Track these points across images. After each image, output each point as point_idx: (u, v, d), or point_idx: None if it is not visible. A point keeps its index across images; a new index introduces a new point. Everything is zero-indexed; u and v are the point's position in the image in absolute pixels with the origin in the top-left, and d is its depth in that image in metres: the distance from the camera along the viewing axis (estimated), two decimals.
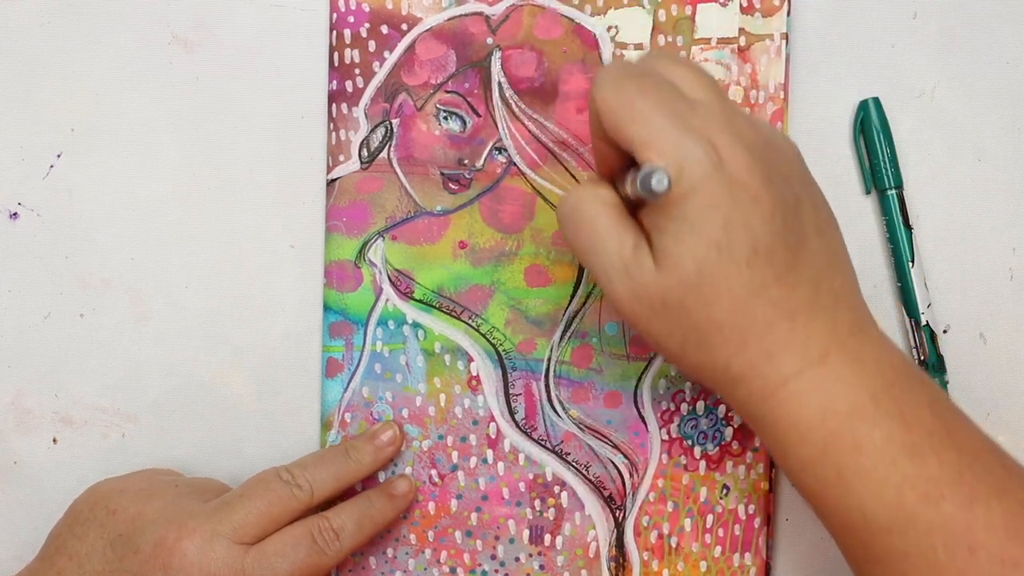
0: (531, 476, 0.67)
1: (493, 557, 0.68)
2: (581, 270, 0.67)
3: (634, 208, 0.54)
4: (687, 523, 0.68)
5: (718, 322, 0.52)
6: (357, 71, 0.66)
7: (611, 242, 0.53)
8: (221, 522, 0.59)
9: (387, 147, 0.66)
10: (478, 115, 0.66)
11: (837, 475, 0.52)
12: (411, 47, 0.66)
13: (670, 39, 0.66)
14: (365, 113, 0.66)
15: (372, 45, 0.66)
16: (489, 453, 0.67)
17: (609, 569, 0.68)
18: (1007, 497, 0.52)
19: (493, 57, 0.66)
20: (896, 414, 0.52)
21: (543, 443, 0.67)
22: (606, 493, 0.68)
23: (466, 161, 0.66)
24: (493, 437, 0.67)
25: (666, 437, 0.67)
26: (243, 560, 0.58)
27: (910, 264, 0.66)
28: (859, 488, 0.52)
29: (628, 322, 0.55)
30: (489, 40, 0.66)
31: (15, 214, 0.67)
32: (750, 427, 0.56)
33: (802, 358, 0.52)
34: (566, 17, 0.66)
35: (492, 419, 0.67)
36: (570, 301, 0.67)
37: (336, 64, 0.66)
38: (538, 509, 0.68)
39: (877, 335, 0.55)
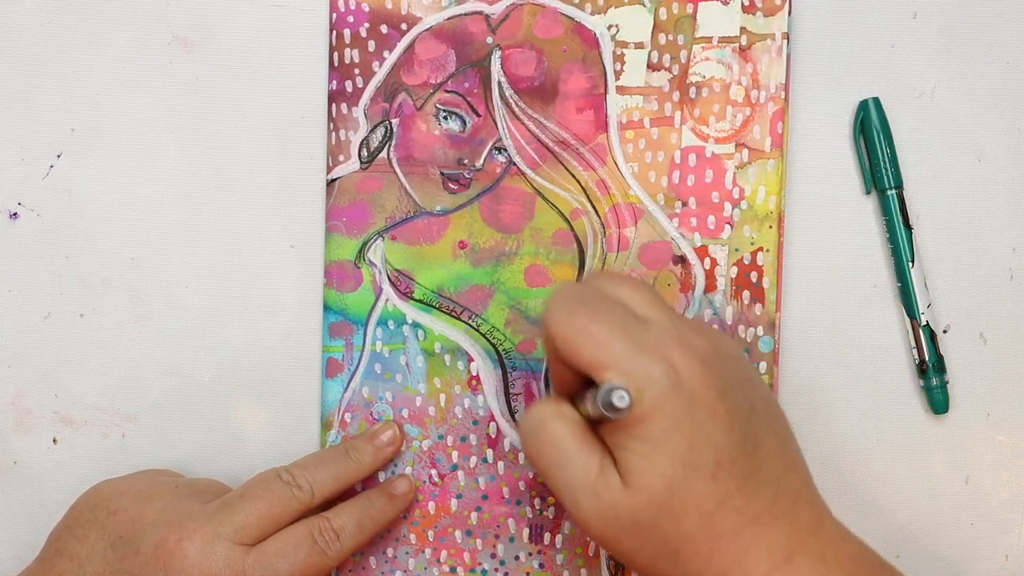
0: (531, 475, 0.67)
1: (493, 556, 0.68)
2: (581, 270, 0.67)
3: (595, 426, 0.55)
4: None
5: (688, 535, 0.52)
6: (357, 71, 0.66)
7: (577, 463, 0.54)
8: (222, 523, 0.59)
9: (387, 147, 0.66)
10: (478, 115, 0.66)
11: None
12: (411, 47, 0.66)
13: (671, 38, 0.66)
14: (365, 113, 0.66)
15: (372, 45, 0.66)
16: (489, 452, 0.67)
17: (608, 568, 0.68)
18: None
19: (493, 56, 0.66)
20: None
21: None
22: None
23: (466, 161, 0.66)
24: (493, 437, 0.67)
25: None
26: (244, 561, 0.58)
27: (910, 264, 0.66)
28: None
29: (596, 541, 0.55)
30: (489, 39, 0.66)
31: (15, 214, 0.68)
32: None
33: (768, 562, 0.53)
34: (566, 16, 0.66)
35: (492, 419, 0.67)
36: None
37: (336, 64, 0.66)
38: (538, 508, 0.68)
39: (835, 528, 0.56)
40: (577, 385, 0.56)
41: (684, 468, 0.52)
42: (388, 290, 0.67)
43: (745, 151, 0.66)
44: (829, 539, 0.55)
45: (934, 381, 0.67)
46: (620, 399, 0.49)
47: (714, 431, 0.52)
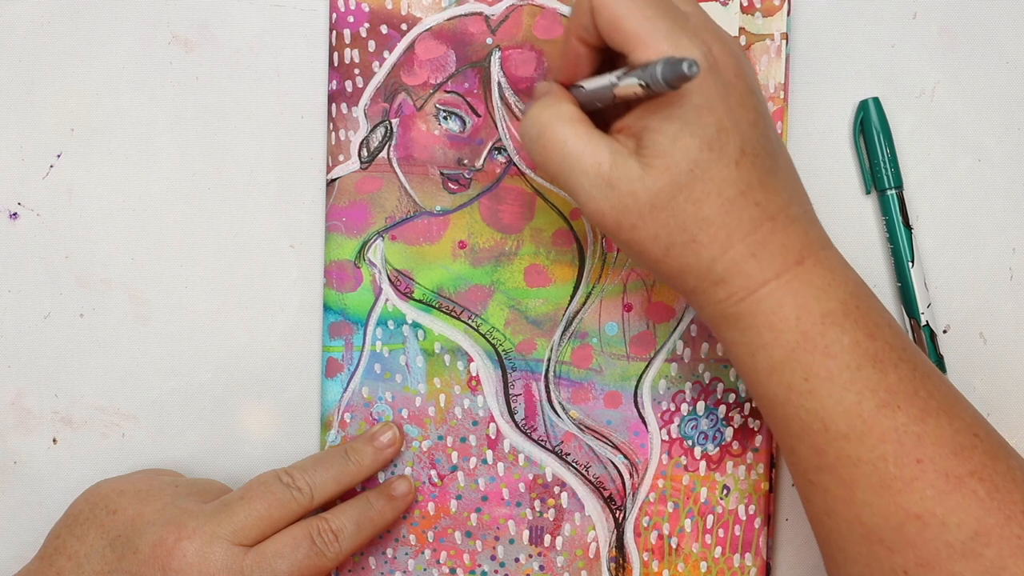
0: (531, 477, 0.67)
1: (493, 558, 0.68)
2: (581, 270, 0.67)
3: (596, 116, 0.56)
4: (687, 524, 0.68)
5: (707, 220, 0.53)
6: (357, 71, 0.66)
7: (586, 160, 0.54)
8: (221, 524, 0.59)
9: (387, 147, 0.66)
10: (478, 115, 0.66)
11: (804, 377, 0.54)
12: (411, 47, 0.66)
13: None
14: (365, 113, 0.66)
15: (372, 45, 0.66)
16: (489, 454, 0.67)
17: (609, 570, 0.68)
18: (954, 417, 0.54)
19: (493, 57, 0.66)
20: (862, 323, 0.54)
21: (543, 443, 0.67)
22: (606, 493, 0.68)
23: (466, 161, 0.66)
24: (493, 437, 0.67)
25: (666, 437, 0.67)
26: (242, 561, 0.58)
27: (910, 264, 0.66)
28: (823, 391, 0.54)
29: (610, 234, 0.55)
30: (489, 40, 0.66)
31: (15, 214, 0.68)
32: (716, 332, 0.57)
33: (782, 260, 0.54)
34: (566, 17, 0.66)
35: (492, 419, 0.67)
36: (570, 301, 0.67)
37: (336, 64, 0.66)
38: (538, 510, 0.68)
39: (837, 252, 0.57)
40: (586, 68, 0.57)
41: (710, 151, 0.53)
42: (388, 290, 0.67)
43: None
44: (836, 256, 0.56)
45: None
46: (690, 67, 0.48)
47: (742, 120, 0.53)
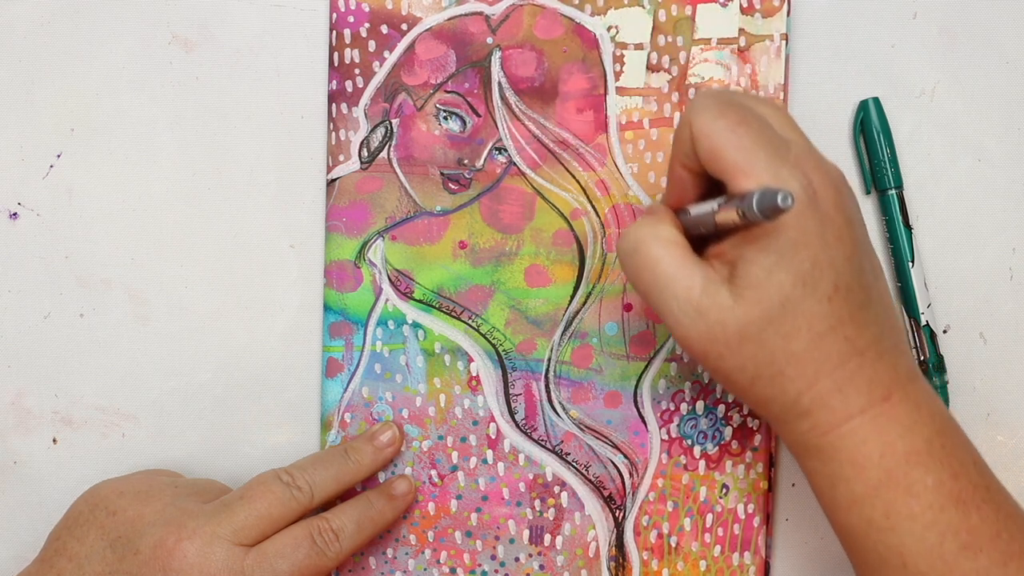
0: (531, 476, 0.67)
1: (493, 557, 0.68)
2: (581, 270, 0.67)
3: (701, 242, 0.56)
4: (687, 522, 0.68)
5: (795, 355, 0.53)
6: (357, 71, 0.66)
7: (679, 284, 0.54)
8: (221, 524, 0.59)
9: (387, 147, 0.66)
10: (478, 115, 0.66)
11: (885, 515, 0.54)
12: (411, 47, 0.66)
13: (670, 39, 0.66)
14: (365, 113, 0.66)
15: (372, 45, 0.66)
16: (489, 453, 0.67)
17: (609, 569, 0.68)
18: None
19: (493, 57, 0.66)
20: (946, 463, 0.54)
21: (543, 443, 0.67)
22: (606, 493, 0.68)
23: (466, 161, 0.66)
24: (493, 437, 0.67)
25: (666, 437, 0.67)
26: (243, 562, 0.58)
27: (910, 264, 0.66)
28: (904, 529, 0.53)
29: (699, 360, 0.55)
30: (489, 40, 0.66)
31: (15, 214, 0.68)
32: (798, 459, 0.57)
33: (868, 396, 0.54)
34: (566, 17, 0.66)
35: (492, 419, 0.67)
36: (570, 301, 0.67)
37: (336, 64, 0.66)
38: (538, 509, 0.68)
39: (927, 384, 0.56)
40: (691, 193, 0.57)
41: (804, 286, 0.52)
42: (388, 290, 0.67)
43: None
44: (924, 390, 0.56)
45: (934, 381, 0.67)
46: (784, 200, 0.48)
47: (838, 255, 0.53)
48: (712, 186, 0.56)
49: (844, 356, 0.53)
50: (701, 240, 0.56)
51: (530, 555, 0.68)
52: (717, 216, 0.53)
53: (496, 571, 0.68)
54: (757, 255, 0.52)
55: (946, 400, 0.67)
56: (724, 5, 0.66)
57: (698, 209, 0.56)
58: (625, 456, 0.67)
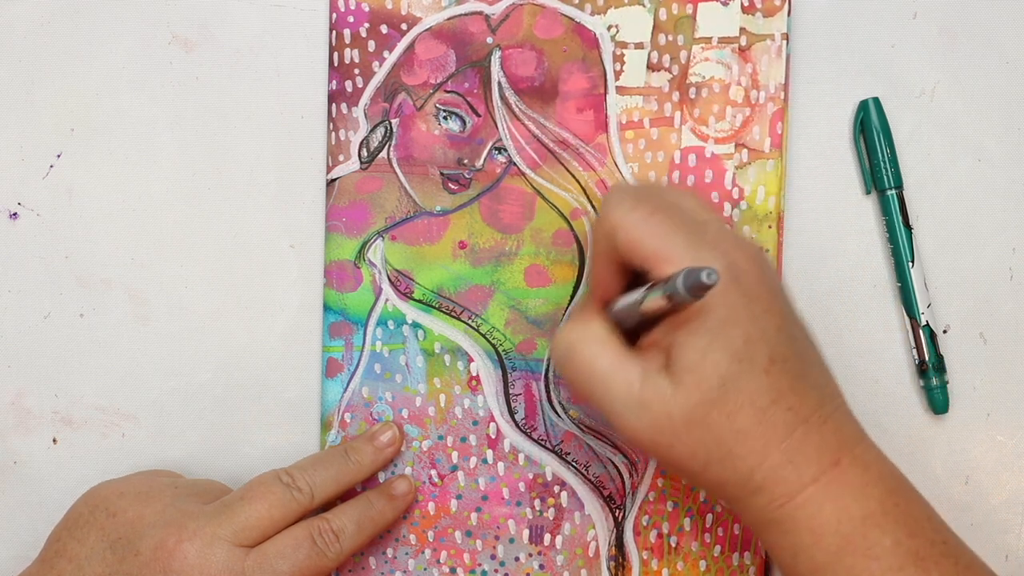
0: (531, 476, 0.67)
1: (493, 557, 0.68)
2: (581, 270, 0.67)
3: (632, 335, 0.57)
4: (687, 522, 0.68)
5: (742, 432, 0.53)
6: (357, 71, 0.66)
7: (618, 380, 0.55)
8: (221, 525, 0.59)
9: (386, 147, 0.66)
10: (478, 115, 0.66)
11: None
12: (411, 47, 0.66)
13: (671, 38, 0.66)
14: (364, 113, 0.66)
15: (372, 45, 0.66)
16: (489, 453, 0.67)
17: (609, 568, 0.68)
18: None
19: (493, 56, 0.66)
20: (902, 521, 0.54)
21: (543, 443, 0.67)
22: (606, 493, 0.68)
23: (466, 161, 0.66)
24: (493, 437, 0.67)
25: None
26: (243, 562, 0.58)
27: (910, 264, 0.66)
28: None
29: (649, 452, 0.57)
30: (489, 39, 0.66)
31: (15, 214, 0.67)
32: (758, 535, 0.57)
33: (818, 463, 0.54)
34: (566, 16, 0.66)
35: (492, 419, 0.67)
36: (570, 301, 0.67)
37: (336, 64, 0.66)
38: (538, 509, 0.68)
39: (872, 444, 0.57)
40: (616, 287, 0.58)
41: (740, 363, 0.53)
42: (388, 290, 0.67)
43: (744, 151, 0.66)
44: (871, 451, 0.56)
45: (934, 381, 0.67)
46: (709, 276, 0.48)
47: (768, 327, 0.54)
48: (635, 278, 0.57)
49: (790, 426, 0.54)
50: (633, 333, 0.57)
51: (530, 555, 0.68)
52: (644, 305, 0.54)
53: (496, 571, 0.68)
54: (689, 338, 0.53)
55: (946, 400, 0.67)
56: (725, 4, 0.66)
57: (624, 301, 0.56)
58: (625, 456, 0.67)
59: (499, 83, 0.66)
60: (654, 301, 0.53)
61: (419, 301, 0.67)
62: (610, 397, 0.55)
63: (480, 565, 0.68)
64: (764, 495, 0.54)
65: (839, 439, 0.55)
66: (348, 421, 0.67)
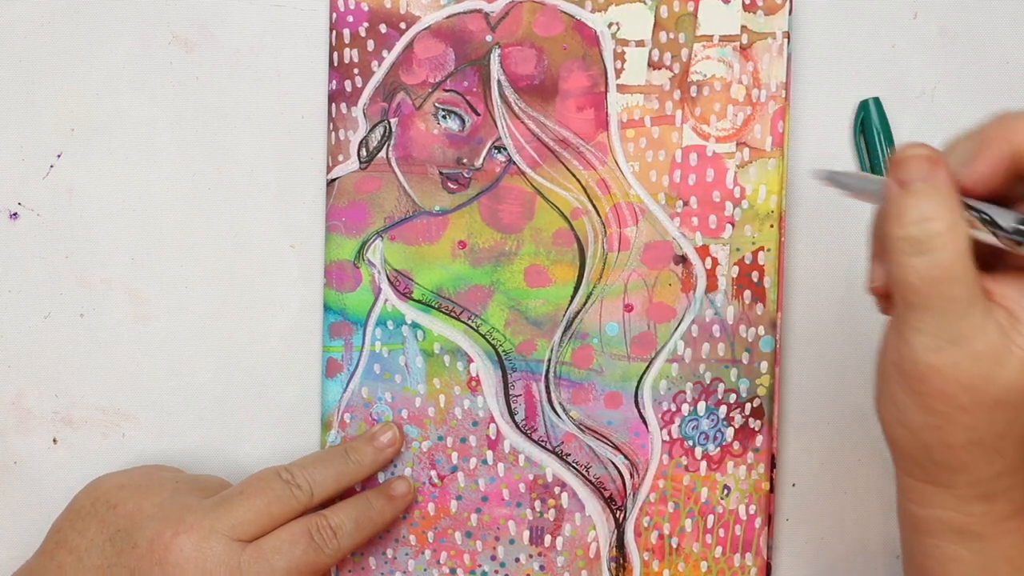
0: (531, 477, 0.67)
1: (493, 558, 0.68)
2: (581, 270, 0.67)
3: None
4: (688, 524, 0.67)
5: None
6: (356, 71, 0.66)
7: (974, 312, 0.46)
8: (219, 519, 0.59)
9: (386, 147, 0.66)
10: (477, 114, 0.66)
11: None
12: (409, 46, 0.66)
13: (672, 36, 0.66)
14: (364, 113, 0.66)
15: (371, 44, 0.66)
16: (489, 454, 0.67)
17: (609, 570, 0.68)
18: None
19: (492, 55, 0.66)
20: None
21: (543, 444, 0.67)
22: (606, 494, 0.67)
23: (465, 160, 0.66)
24: (493, 438, 0.67)
25: (667, 438, 0.67)
26: (240, 557, 0.58)
27: None
28: None
29: (926, 392, 0.47)
30: (488, 38, 0.66)
31: (15, 214, 0.68)
32: (928, 536, 0.52)
33: None
34: (566, 13, 0.66)
35: (492, 420, 0.67)
36: (570, 301, 0.67)
37: (335, 64, 0.66)
38: (538, 510, 0.67)
39: None
40: (986, 185, 0.47)
41: None
42: (387, 290, 0.67)
43: (746, 150, 0.66)
44: None
45: None
46: None
47: None
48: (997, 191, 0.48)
49: None
50: None
51: (530, 556, 0.68)
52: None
53: (496, 571, 0.68)
54: None
55: None
56: (726, 2, 0.65)
57: (996, 215, 0.46)
58: (626, 457, 0.67)
59: (498, 81, 0.66)
60: None
61: (418, 301, 0.67)
62: (940, 309, 0.45)
63: (480, 566, 0.68)
64: (987, 504, 0.49)
65: None
66: (348, 421, 0.67)
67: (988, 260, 0.47)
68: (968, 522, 0.50)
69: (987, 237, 0.46)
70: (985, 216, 0.46)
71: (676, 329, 0.67)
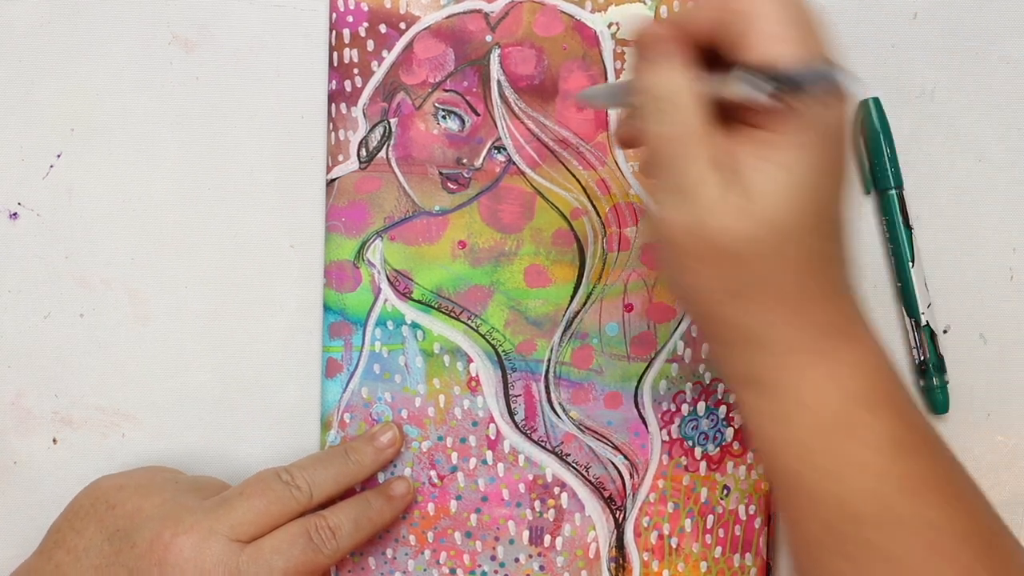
0: (531, 477, 0.67)
1: (493, 558, 0.68)
2: (581, 270, 0.67)
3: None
4: (687, 524, 0.67)
5: (774, 284, 0.50)
6: (356, 71, 0.66)
7: (697, 164, 0.49)
8: (218, 520, 0.59)
9: (385, 147, 0.66)
10: (477, 114, 0.66)
11: (828, 457, 0.52)
12: (409, 46, 0.66)
13: None
14: (363, 113, 0.66)
15: (371, 44, 0.66)
16: (489, 454, 0.67)
17: (609, 570, 0.68)
18: (973, 509, 0.53)
19: (492, 55, 0.66)
20: (894, 410, 0.53)
21: (543, 444, 0.67)
22: (606, 494, 0.67)
23: (465, 160, 0.66)
24: (493, 438, 0.67)
25: (666, 438, 0.67)
26: (238, 557, 0.58)
27: (910, 264, 0.66)
28: (846, 473, 0.52)
29: (672, 253, 0.51)
30: (488, 38, 0.66)
31: (15, 214, 0.68)
32: (738, 394, 0.54)
33: (829, 338, 0.52)
34: (566, 14, 0.66)
35: (492, 420, 0.67)
36: (570, 301, 0.67)
37: (335, 64, 0.66)
38: (538, 510, 0.68)
39: (876, 335, 0.55)
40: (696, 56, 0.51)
41: (803, 215, 0.49)
42: (387, 290, 0.67)
43: None
44: (875, 339, 0.53)
45: (934, 381, 0.67)
46: (836, 78, 0.44)
47: (839, 195, 0.51)
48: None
49: (818, 296, 0.51)
50: None
51: (530, 556, 0.68)
52: (741, 81, 0.48)
53: (496, 572, 0.68)
54: (770, 167, 0.48)
55: (946, 400, 0.67)
56: None
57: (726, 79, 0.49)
58: (625, 457, 0.67)
59: (498, 82, 0.66)
60: (750, 82, 0.47)
61: (418, 301, 0.67)
62: (680, 175, 0.49)
63: (480, 566, 0.68)
64: (765, 353, 0.52)
65: (853, 322, 0.52)
66: (347, 421, 0.67)
67: (725, 122, 0.50)
68: (755, 372, 0.52)
69: (719, 89, 0.49)
70: (717, 77, 0.49)
71: (676, 329, 0.67)
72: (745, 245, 0.49)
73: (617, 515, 0.68)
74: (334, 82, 0.66)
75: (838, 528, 0.52)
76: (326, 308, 0.67)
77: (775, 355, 0.52)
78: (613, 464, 0.67)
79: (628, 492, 0.68)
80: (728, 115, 0.50)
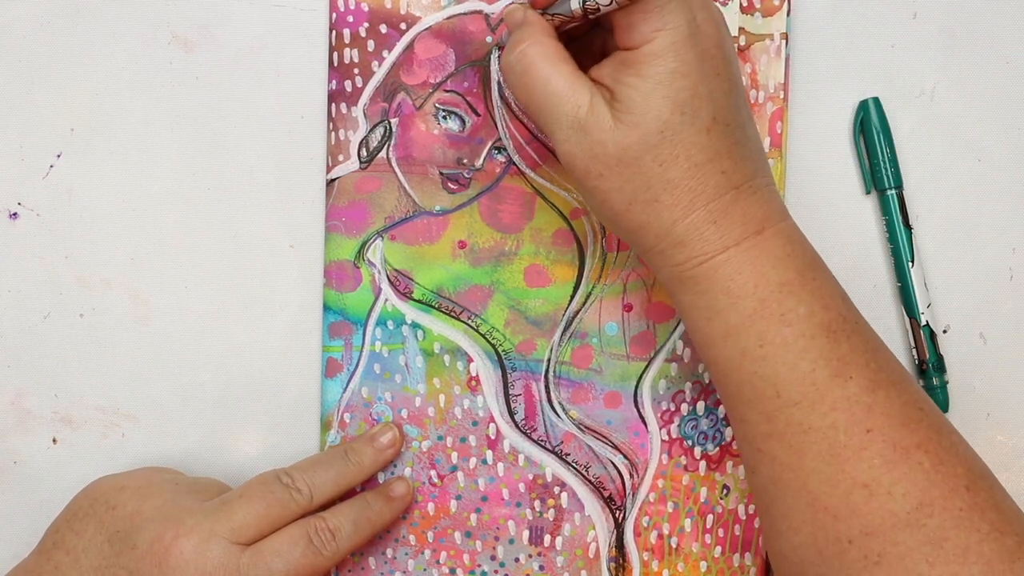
0: (531, 477, 0.67)
1: (493, 558, 0.68)
2: (581, 270, 0.67)
3: (581, 63, 0.58)
4: (687, 523, 0.67)
5: (672, 182, 0.55)
6: (356, 71, 0.66)
7: (566, 102, 0.56)
8: (219, 522, 0.59)
9: (386, 147, 0.66)
10: (477, 114, 0.66)
11: (759, 343, 0.55)
12: (410, 46, 0.66)
13: None
14: (364, 113, 0.66)
15: (371, 45, 0.66)
16: (489, 454, 0.67)
17: (609, 569, 0.68)
18: (902, 390, 0.55)
19: (492, 55, 0.66)
20: (817, 294, 0.55)
21: (543, 444, 0.67)
22: (606, 494, 0.67)
23: (465, 160, 0.66)
24: (493, 438, 0.67)
25: (666, 437, 0.67)
26: (239, 560, 0.58)
27: (910, 264, 0.66)
28: (778, 358, 0.55)
29: (578, 178, 0.57)
30: (488, 38, 0.66)
31: (15, 214, 0.68)
32: (673, 294, 0.58)
33: (742, 228, 0.55)
34: None
35: (492, 420, 0.67)
36: (570, 301, 0.67)
37: (335, 64, 0.66)
38: (538, 510, 0.68)
39: (794, 223, 0.58)
40: None
41: (682, 115, 0.54)
42: (387, 290, 0.67)
43: None
44: (793, 228, 0.57)
45: (934, 381, 0.67)
46: None
47: (716, 89, 0.55)
48: None
49: (720, 188, 0.55)
50: (577, 59, 0.58)
51: (530, 556, 0.68)
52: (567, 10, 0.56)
53: (496, 571, 0.68)
54: (635, 80, 0.54)
55: (946, 400, 0.67)
56: (724, 4, 0.65)
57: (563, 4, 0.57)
58: (625, 457, 0.67)
59: (499, 82, 0.66)
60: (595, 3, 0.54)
61: (418, 301, 0.67)
62: (558, 115, 0.56)
63: (480, 566, 0.68)
64: (683, 250, 0.55)
65: (765, 211, 0.56)
66: (348, 421, 0.67)
67: (589, 56, 0.59)
68: (680, 271, 0.56)
69: (567, 14, 0.56)
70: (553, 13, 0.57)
71: (675, 329, 0.67)
72: (637, 151, 0.54)
73: (617, 515, 0.68)
74: (334, 82, 0.66)
75: (777, 416, 0.55)
76: (326, 308, 0.67)
77: (694, 252, 0.55)
78: (613, 464, 0.67)
79: (628, 492, 0.68)
80: (604, 49, 0.58)
